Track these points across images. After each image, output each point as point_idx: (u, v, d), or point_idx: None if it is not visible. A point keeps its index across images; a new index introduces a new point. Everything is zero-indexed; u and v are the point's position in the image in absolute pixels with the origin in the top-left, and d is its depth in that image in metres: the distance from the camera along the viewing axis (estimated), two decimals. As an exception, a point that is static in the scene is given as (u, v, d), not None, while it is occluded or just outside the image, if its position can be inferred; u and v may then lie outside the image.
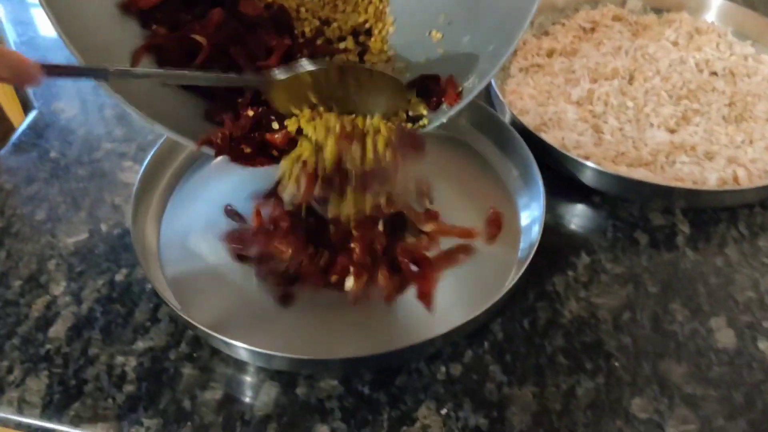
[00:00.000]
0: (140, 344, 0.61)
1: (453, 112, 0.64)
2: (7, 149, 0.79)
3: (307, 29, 0.70)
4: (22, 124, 0.82)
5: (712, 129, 0.76)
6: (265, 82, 0.61)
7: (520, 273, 0.60)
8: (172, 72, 0.63)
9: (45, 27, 0.98)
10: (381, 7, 0.71)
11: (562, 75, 0.83)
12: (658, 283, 0.65)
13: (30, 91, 0.86)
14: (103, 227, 0.71)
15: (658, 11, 0.92)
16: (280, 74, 0.60)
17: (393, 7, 0.71)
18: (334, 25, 0.70)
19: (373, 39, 0.70)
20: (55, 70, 0.55)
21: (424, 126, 0.65)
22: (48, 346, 0.61)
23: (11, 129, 0.82)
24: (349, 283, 0.60)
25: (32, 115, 0.83)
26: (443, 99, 0.64)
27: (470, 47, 0.66)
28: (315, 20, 0.70)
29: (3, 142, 0.80)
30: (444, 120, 0.64)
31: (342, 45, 0.69)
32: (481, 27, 0.66)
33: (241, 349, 0.56)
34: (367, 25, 0.71)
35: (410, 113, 0.66)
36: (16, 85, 0.51)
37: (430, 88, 0.66)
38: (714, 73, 0.83)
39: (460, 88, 0.64)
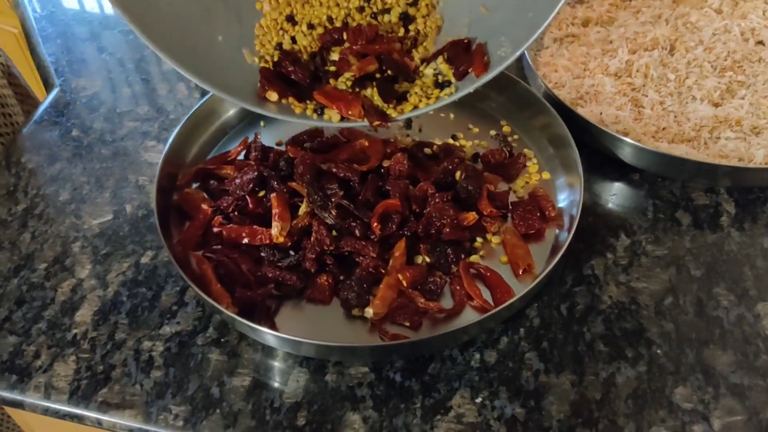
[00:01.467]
0: (167, 329, 0.60)
1: (483, 81, 0.61)
2: (29, 127, 0.77)
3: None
4: (44, 101, 0.80)
5: (759, 102, 0.72)
6: None
7: (558, 256, 0.58)
8: None
9: (64, 0, 0.97)
10: None
11: (599, 45, 0.79)
12: (701, 266, 0.63)
13: (51, 67, 0.84)
14: (128, 208, 0.69)
15: (700, -24, 0.88)
16: None
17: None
18: None
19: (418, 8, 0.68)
20: None
21: (451, 93, 0.62)
22: (75, 331, 0.60)
23: (36, 105, 0.81)
24: (369, 312, 0.58)
25: (54, 92, 0.82)
26: (470, 68, 0.62)
27: (508, 13, 0.63)
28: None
29: (27, 120, 0.78)
30: (471, 89, 0.62)
31: (386, 18, 0.66)
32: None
33: (268, 335, 0.55)
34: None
35: (439, 79, 0.64)
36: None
37: (459, 54, 0.63)
38: (760, 42, 0.79)
39: (487, 58, 0.62)
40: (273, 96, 0.64)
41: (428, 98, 0.64)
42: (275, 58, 0.65)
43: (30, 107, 0.81)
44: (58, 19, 0.92)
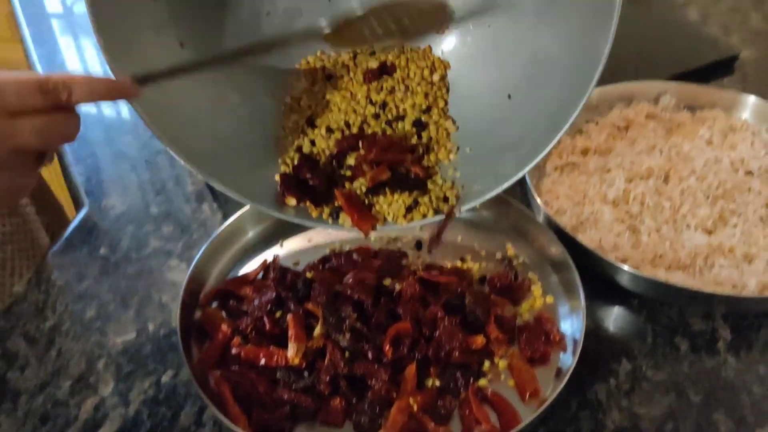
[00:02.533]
0: (185, 449, 0.62)
1: (487, 197, 0.64)
2: (59, 246, 0.82)
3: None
4: (74, 221, 0.85)
5: (750, 231, 0.77)
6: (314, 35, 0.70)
7: (563, 382, 0.61)
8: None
9: (94, 123, 1.03)
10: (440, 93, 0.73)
11: (598, 174, 0.84)
12: (700, 392, 0.65)
13: (81, 188, 0.89)
14: (150, 326, 0.73)
15: (691, 109, 0.94)
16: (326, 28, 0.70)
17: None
18: (391, 105, 0.72)
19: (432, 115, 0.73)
20: (147, 77, 0.58)
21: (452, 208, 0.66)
22: (95, 450, 0.62)
23: (67, 224, 0.86)
24: None
25: (83, 212, 0.87)
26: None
27: (518, 130, 0.67)
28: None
29: (57, 238, 0.83)
30: (477, 204, 0.65)
31: (401, 125, 0.71)
32: (525, 116, 0.67)
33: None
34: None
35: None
36: (116, 101, 0.56)
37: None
38: (749, 173, 0.84)
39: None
40: (292, 201, 0.67)
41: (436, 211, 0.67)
42: (295, 161, 0.69)
43: (63, 224, 0.86)
44: (89, 140, 0.99)
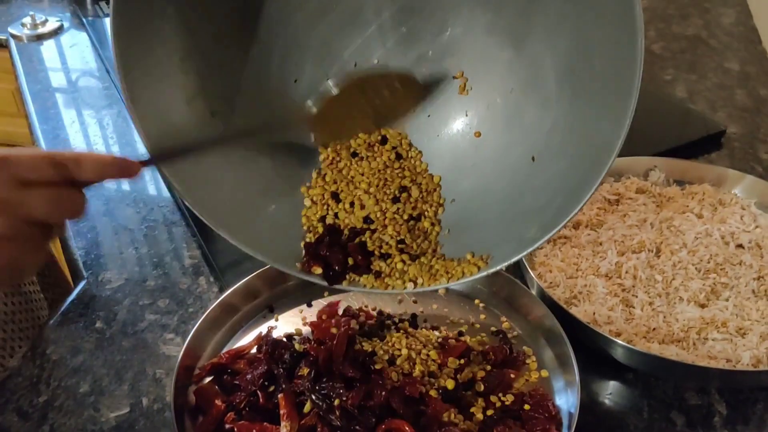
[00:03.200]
0: None
1: (511, 261, 0.64)
2: (55, 319, 0.82)
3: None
4: (71, 295, 0.86)
5: (742, 304, 0.77)
6: (300, 117, 0.70)
7: (558, 459, 0.60)
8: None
9: (95, 197, 1.05)
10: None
11: (590, 247, 0.86)
12: (698, 469, 0.65)
13: (80, 261, 0.90)
14: (144, 401, 0.72)
15: (680, 183, 0.96)
16: (312, 106, 0.70)
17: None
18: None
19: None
20: (151, 160, 0.60)
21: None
22: None
23: (64, 294, 0.87)
24: None
25: (81, 285, 0.87)
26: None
27: (537, 200, 0.67)
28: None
29: (54, 312, 0.84)
30: (502, 267, 0.65)
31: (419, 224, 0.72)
32: (549, 181, 0.67)
33: None
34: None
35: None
36: (120, 179, 0.58)
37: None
38: (740, 246, 0.85)
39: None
40: (317, 270, 0.68)
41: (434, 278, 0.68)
42: (319, 230, 0.70)
43: (64, 297, 0.87)
44: (90, 214, 1.00)
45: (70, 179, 0.53)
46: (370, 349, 0.71)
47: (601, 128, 0.60)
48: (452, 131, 0.75)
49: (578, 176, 0.62)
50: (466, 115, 0.74)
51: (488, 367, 0.72)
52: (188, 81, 0.66)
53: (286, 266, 0.67)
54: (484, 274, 0.66)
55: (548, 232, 0.62)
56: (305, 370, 0.68)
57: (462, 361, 0.71)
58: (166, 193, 1.04)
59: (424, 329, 0.78)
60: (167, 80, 0.64)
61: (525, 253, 0.63)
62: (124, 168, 0.56)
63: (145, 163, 0.58)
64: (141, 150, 1.13)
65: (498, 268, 0.65)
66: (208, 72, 0.68)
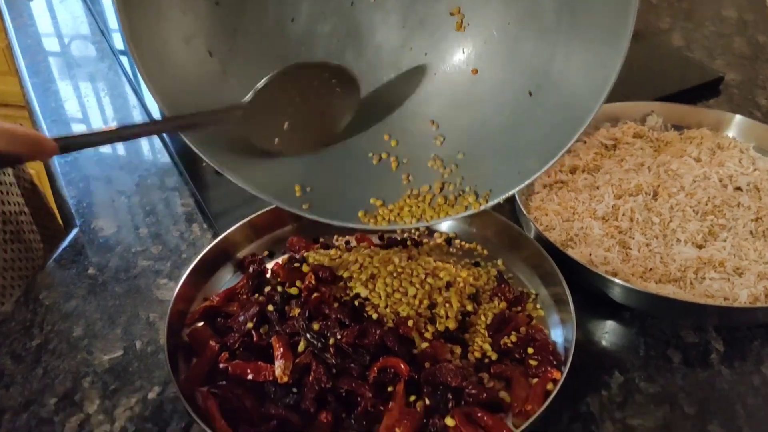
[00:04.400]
0: (171, 465, 0.61)
1: (512, 192, 0.68)
2: (48, 266, 0.81)
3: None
4: (63, 242, 0.85)
5: (740, 244, 0.77)
6: (232, 114, 0.66)
7: (554, 393, 0.60)
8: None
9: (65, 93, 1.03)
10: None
11: (586, 191, 0.85)
12: (694, 404, 0.64)
13: (73, 209, 0.89)
14: (138, 344, 0.72)
15: (678, 128, 0.95)
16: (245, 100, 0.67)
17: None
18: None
19: None
20: (67, 141, 0.57)
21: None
22: (79, 467, 0.61)
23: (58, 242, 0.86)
24: None
25: (73, 232, 0.86)
26: None
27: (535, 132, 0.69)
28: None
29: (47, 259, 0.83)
30: (501, 199, 0.69)
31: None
32: (547, 113, 0.68)
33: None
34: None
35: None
36: (32, 160, 0.55)
37: None
38: (738, 189, 0.84)
39: None
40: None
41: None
42: None
43: (54, 246, 0.86)
44: (81, 164, 0.99)
45: None
46: (365, 294, 0.71)
47: (600, 56, 0.60)
48: (449, 69, 0.74)
49: (576, 106, 0.62)
50: (464, 53, 0.73)
51: (503, 305, 0.72)
52: (186, 21, 0.66)
53: (283, 202, 0.70)
54: (485, 207, 0.69)
55: (546, 163, 0.64)
56: (296, 311, 0.68)
57: (466, 302, 0.71)
58: (157, 141, 1.03)
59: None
60: (166, 20, 0.64)
61: (524, 184, 0.66)
62: (36, 146, 0.54)
63: (59, 145, 0.55)
64: (132, 102, 1.12)
65: (498, 200, 0.68)
66: (205, 12, 0.67)
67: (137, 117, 1.10)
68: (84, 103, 1.14)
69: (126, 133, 0.65)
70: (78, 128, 1.08)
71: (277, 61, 0.69)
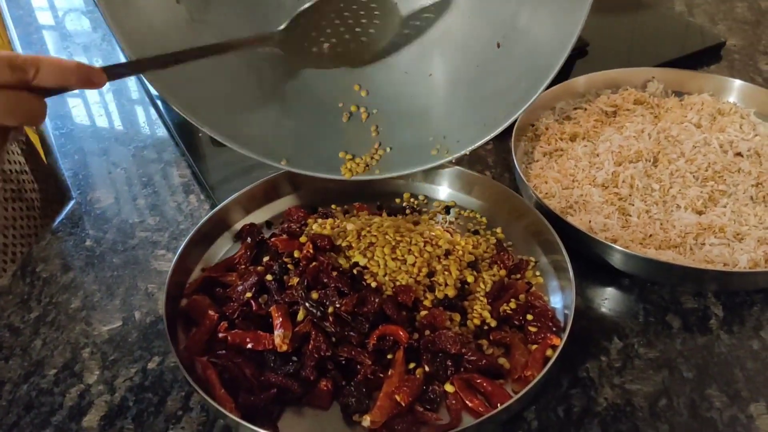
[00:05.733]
0: (172, 434, 0.61)
1: (478, 144, 0.71)
2: (45, 238, 0.81)
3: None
4: (60, 214, 0.84)
5: (740, 210, 0.76)
6: (267, 37, 0.68)
7: (553, 359, 0.60)
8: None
9: (81, 119, 1.03)
10: None
11: (586, 158, 0.84)
12: (693, 368, 0.64)
13: (68, 181, 0.89)
14: (137, 315, 0.72)
15: (679, 94, 0.94)
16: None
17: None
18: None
19: None
20: (115, 70, 0.58)
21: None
22: (80, 437, 0.61)
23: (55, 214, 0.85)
24: (367, 420, 0.59)
25: (70, 204, 0.86)
26: None
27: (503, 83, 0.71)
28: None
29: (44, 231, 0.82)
30: (467, 151, 0.72)
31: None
32: (514, 64, 0.70)
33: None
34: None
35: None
36: (83, 89, 0.56)
37: None
38: (739, 154, 0.84)
39: None
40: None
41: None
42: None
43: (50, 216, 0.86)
44: (76, 136, 0.98)
45: (28, 83, 0.51)
46: (363, 262, 0.70)
47: (564, 8, 0.62)
48: (418, 23, 0.74)
49: (541, 56, 0.65)
50: (433, 7, 0.74)
51: (502, 272, 0.71)
52: None
53: (272, 159, 0.72)
54: (451, 157, 0.72)
55: (512, 115, 0.67)
56: (295, 280, 0.67)
57: (466, 270, 0.71)
58: (153, 113, 1.02)
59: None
60: None
61: (490, 136, 0.69)
62: (87, 76, 0.54)
63: (107, 73, 0.55)
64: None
65: (465, 151, 0.71)
66: None
67: (132, 87, 1.09)
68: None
69: (170, 59, 0.63)
70: (73, 102, 1.07)
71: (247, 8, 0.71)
